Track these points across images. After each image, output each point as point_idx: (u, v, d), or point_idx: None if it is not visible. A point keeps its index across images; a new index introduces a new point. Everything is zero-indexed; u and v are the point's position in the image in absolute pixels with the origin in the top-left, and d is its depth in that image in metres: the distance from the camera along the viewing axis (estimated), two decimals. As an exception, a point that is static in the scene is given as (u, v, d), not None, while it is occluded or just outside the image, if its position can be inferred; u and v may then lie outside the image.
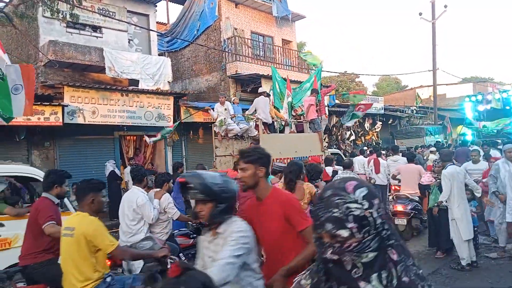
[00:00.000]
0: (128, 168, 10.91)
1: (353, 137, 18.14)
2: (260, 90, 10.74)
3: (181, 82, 17.25)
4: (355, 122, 17.98)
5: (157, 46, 14.49)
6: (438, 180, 6.20)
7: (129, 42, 13.10)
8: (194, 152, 14.15)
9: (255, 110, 10.01)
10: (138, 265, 4.01)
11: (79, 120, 10.42)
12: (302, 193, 4.46)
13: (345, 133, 17.90)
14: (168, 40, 17.49)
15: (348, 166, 7.25)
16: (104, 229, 3.19)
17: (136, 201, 4.61)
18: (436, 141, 15.85)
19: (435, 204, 6.17)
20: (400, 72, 66.94)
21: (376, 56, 79.72)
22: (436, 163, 6.64)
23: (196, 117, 13.39)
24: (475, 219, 6.36)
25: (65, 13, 8.36)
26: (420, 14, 19.60)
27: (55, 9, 7.84)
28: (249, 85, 15.16)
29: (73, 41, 11.42)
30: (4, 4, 9.41)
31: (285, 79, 11.43)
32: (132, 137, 12.95)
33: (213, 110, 10.12)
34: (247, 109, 10.83)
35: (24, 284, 3.78)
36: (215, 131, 9.31)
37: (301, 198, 4.37)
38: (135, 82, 12.41)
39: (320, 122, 10.53)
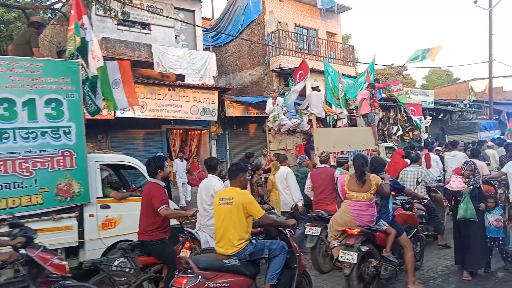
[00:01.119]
0: (178, 160, 11.40)
1: (400, 132, 17.51)
2: (312, 85, 10.73)
3: (225, 77, 17.47)
4: (403, 117, 17.36)
5: (202, 42, 14.74)
6: (470, 187, 5.23)
7: (175, 38, 13.44)
8: (238, 145, 14.31)
9: (308, 105, 10.09)
10: None
11: (129, 114, 10.86)
12: (369, 184, 4.64)
13: (392, 128, 17.32)
14: (212, 35, 17.75)
15: (416, 159, 7.04)
16: (255, 200, 3.97)
17: (214, 188, 4.97)
18: (498, 137, 14.86)
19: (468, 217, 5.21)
20: (452, 64, 63.33)
21: (426, 47, 76.27)
22: (467, 165, 5.36)
23: (239, 111, 13.54)
24: (499, 230, 5.43)
25: (117, 11, 8.71)
26: (475, 1, 18.44)
27: (107, 7, 8.19)
28: (293, 79, 15.06)
29: (123, 38, 11.90)
30: (62, 4, 9.95)
31: (337, 72, 11.43)
32: (178, 130, 13.30)
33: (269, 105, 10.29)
34: (298, 104, 10.91)
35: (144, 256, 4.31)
36: (268, 126, 9.51)
37: (368, 189, 4.62)
38: (181, 77, 12.73)
39: (374, 116, 10.42)
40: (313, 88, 10.44)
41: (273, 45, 15.37)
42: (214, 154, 13.37)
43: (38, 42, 5.86)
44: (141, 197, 4.50)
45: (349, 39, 31.01)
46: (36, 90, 5.03)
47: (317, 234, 5.60)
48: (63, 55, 6.28)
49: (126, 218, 5.44)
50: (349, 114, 10.94)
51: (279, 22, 15.99)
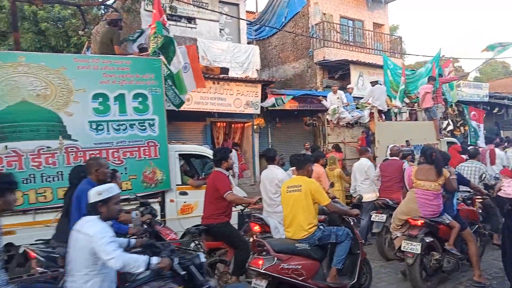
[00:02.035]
0: (233, 152, 11.65)
1: (450, 127, 16.67)
2: (371, 79, 10.96)
3: (268, 70, 17.46)
4: (453, 111, 16.51)
5: (246, 35, 14.80)
6: None
7: (220, 32, 13.59)
8: (280, 138, 14.31)
9: (370, 99, 10.17)
10: None
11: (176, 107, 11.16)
12: (437, 175, 4.70)
13: (442, 123, 16.55)
14: (256, 29, 17.76)
15: (474, 155, 6.85)
16: (321, 188, 4.24)
17: (277, 177, 5.17)
18: None
19: None
20: (509, 55, 59.22)
21: (479, 38, 71.79)
22: None
23: (282, 104, 13.49)
24: None
25: (165, 6, 8.94)
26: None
27: (156, 2, 8.41)
28: (337, 72, 14.77)
29: (170, 33, 12.18)
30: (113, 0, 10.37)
31: (400, 66, 11.40)
32: (222, 123, 13.50)
33: (326, 100, 10.57)
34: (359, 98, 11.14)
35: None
36: (327, 119, 9.77)
37: (436, 179, 4.69)
38: (225, 70, 12.88)
39: (437, 110, 10.28)
40: (372, 83, 10.52)
41: (317, 37, 15.14)
42: (256, 147, 13.46)
43: (119, 40, 6.40)
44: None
45: (396, 30, 29.87)
46: (125, 86, 5.53)
47: (382, 221, 5.84)
48: (144, 51, 6.79)
49: (201, 204, 5.84)
50: (408, 108, 10.90)
51: (324, 14, 15.70)
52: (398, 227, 4.87)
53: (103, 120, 5.34)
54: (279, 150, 13.29)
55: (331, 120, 9.61)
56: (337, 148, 9.13)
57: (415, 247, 4.49)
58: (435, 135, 9.92)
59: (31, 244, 4.03)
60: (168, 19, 12.14)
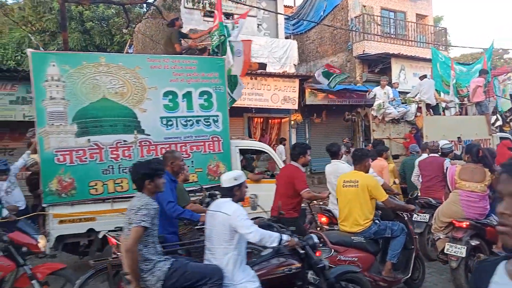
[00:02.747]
0: (281, 147, 11.92)
1: (499, 122, 15.78)
2: (420, 74, 10.80)
3: (306, 65, 17.28)
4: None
5: (284, 30, 14.71)
6: None
7: (258, 27, 13.59)
8: (317, 134, 14.14)
9: (418, 93, 10.00)
10: None
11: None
12: (483, 175, 4.43)
13: (491, 118, 15.71)
14: (294, 23, 17.61)
15: None
16: (379, 184, 4.28)
17: (344, 171, 5.14)
18: None
19: None
20: None
21: (533, 27, 67.08)
22: None
23: (320, 99, 13.33)
24: None
25: (205, 3, 9.06)
26: None
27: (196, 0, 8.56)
28: (377, 65, 14.38)
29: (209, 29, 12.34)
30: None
31: (449, 59, 11.07)
32: (259, 118, 13.55)
33: (372, 92, 10.45)
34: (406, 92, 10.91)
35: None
36: (372, 115, 9.65)
37: (482, 180, 4.43)
38: (263, 65, 12.88)
39: (488, 104, 9.99)
40: (421, 77, 10.30)
41: (357, 30, 14.79)
42: (293, 143, 13.39)
43: (178, 38, 6.69)
44: (272, 179, 5.07)
45: (440, 21, 28.57)
46: (192, 84, 5.83)
47: (425, 221, 5.66)
48: (204, 52, 7.12)
49: (261, 198, 5.98)
50: (460, 102, 10.58)
51: (364, 6, 15.30)
52: (441, 228, 4.66)
53: (172, 116, 5.66)
54: (316, 146, 13.21)
55: (376, 116, 9.47)
56: (374, 144, 8.96)
57: (460, 250, 4.27)
58: (487, 130, 9.53)
59: (109, 231, 4.32)
60: (207, 16, 12.40)
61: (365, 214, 4.10)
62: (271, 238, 3.09)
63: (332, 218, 5.15)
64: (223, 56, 6.26)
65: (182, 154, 5.58)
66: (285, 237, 3.18)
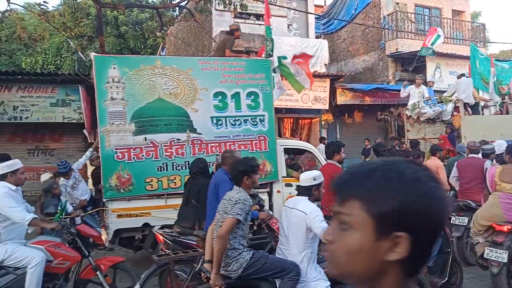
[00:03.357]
0: (321, 146, 11.70)
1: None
2: (458, 73, 10.42)
3: (336, 64, 17.07)
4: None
5: (314, 29, 14.59)
6: None
7: (288, 27, 13.56)
8: (349, 134, 13.93)
9: (455, 92, 9.78)
10: None
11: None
12: None
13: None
14: (324, 22, 17.45)
15: None
16: None
17: None
18: None
19: None
20: None
21: None
22: None
23: (351, 99, 13.13)
24: None
25: (236, 4, 9.13)
26: None
27: (228, 1, 8.64)
28: (411, 64, 13.97)
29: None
30: (186, 1, 10.83)
31: (488, 57, 10.74)
32: (289, 119, 13.50)
33: (405, 89, 10.21)
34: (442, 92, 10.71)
35: None
36: (406, 115, 9.48)
37: None
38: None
39: None
40: (459, 76, 10.06)
41: (389, 28, 14.46)
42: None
43: (232, 46, 7.11)
44: None
45: (478, 17, 27.47)
46: (240, 85, 5.99)
47: (463, 224, 5.45)
48: (250, 54, 7.35)
49: None
50: (501, 100, 10.18)
51: (397, 3, 14.92)
52: (480, 232, 4.48)
53: (222, 116, 5.84)
54: (347, 146, 13.02)
55: (410, 116, 9.27)
56: (411, 144, 8.72)
57: (501, 256, 4.09)
58: None
59: (157, 229, 4.55)
60: (237, 17, 12.49)
61: None
62: None
63: None
64: (270, 58, 6.40)
65: None
66: None
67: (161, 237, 4.16)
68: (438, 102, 9.66)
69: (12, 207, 3.60)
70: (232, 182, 3.50)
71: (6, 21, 9.87)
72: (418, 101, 9.15)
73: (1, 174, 3.75)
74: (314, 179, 3.33)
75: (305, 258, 3.19)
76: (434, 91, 11.16)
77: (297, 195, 3.53)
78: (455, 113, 8.84)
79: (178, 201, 5.40)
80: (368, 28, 15.10)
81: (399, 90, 12.14)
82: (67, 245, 4.00)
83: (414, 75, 11.44)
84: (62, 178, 6.23)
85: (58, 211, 4.28)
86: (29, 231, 3.92)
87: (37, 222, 3.72)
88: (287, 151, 6.69)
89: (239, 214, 3.03)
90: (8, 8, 8.03)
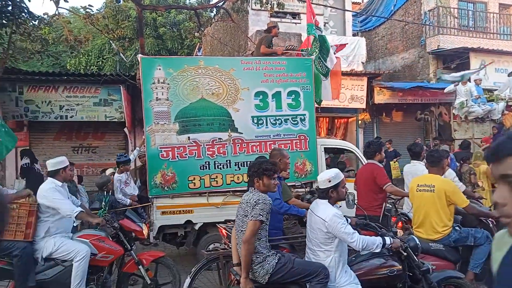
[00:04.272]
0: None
1: None
2: (510, 72, 9.92)
3: (374, 62, 16.68)
4: None
5: (351, 27, 14.33)
6: None
7: (324, 25, 13.38)
8: (387, 134, 13.54)
9: (509, 89, 9.48)
10: None
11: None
12: None
13: None
14: (361, 20, 17.09)
15: None
16: (458, 189, 4.02)
17: (423, 173, 5.11)
18: None
19: None
20: None
21: None
22: None
23: (389, 97, 12.78)
24: None
25: (273, 3, 9.12)
26: None
27: (264, 1, 8.65)
28: (453, 61, 13.43)
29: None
30: (223, 1, 10.93)
31: None
32: (324, 118, 13.33)
33: (452, 85, 10.01)
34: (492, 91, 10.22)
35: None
36: (453, 113, 9.26)
37: None
38: (329, 64, 12.66)
39: None
40: (510, 74, 9.77)
41: (431, 24, 13.94)
42: (361, 143, 12.98)
43: (268, 42, 7.00)
44: (352, 179, 5.12)
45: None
46: (281, 84, 5.98)
47: None
48: (287, 52, 7.39)
49: None
50: None
51: (439, -2, 14.38)
52: None
53: (263, 115, 5.87)
54: (385, 146, 12.70)
55: (457, 115, 9.00)
56: (462, 145, 8.34)
57: None
58: None
59: (219, 223, 4.69)
60: (274, 16, 12.47)
61: (443, 221, 3.85)
62: (375, 245, 3.08)
63: (408, 222, 4.96)
64: (312, 56, 6.32)
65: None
66: (387, 240, 3.14)
67: (224, 231, 4.23)
68: (488, 101, 9.24)
69: (61, 200, 3.79)
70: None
71: (54, 24, 10.35)
72: (466, 100, 8.78)
73: (54, 169, 3.94)
74: (329, 181, 3.17)
75: (333, 263, 3.10)
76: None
77: (317, 198, 3.44)
78: (506, 112, 8.36)
79: (220, 199, 5.59)
80: (408, 25, 14.64)
81: (440, 89, 11.72)
82: (111, 239, 4.15)
83: (456, 72, 11.01)
84: (116, 174, 6.52)
85: (103, 206, 4.45)
86: (75, 224, 4.10)
87: (84, 215, 3.89)
88: (327, 150, 6.60)
89: (261, 215, 2.98)
90: (57, 12, 8.42)
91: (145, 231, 4.45)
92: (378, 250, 3.11)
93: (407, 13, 14.97)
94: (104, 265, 4.03)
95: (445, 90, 9.70)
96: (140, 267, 4.17)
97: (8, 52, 8.27)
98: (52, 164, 3.96)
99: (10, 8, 8.53)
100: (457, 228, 3.93)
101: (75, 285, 3.71)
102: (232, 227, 4.30)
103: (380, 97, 12.70)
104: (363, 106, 12.36)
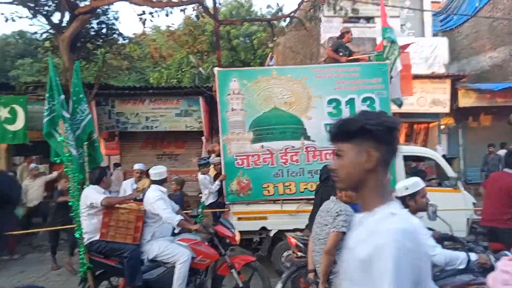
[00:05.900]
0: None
1: None
2: None
3: (457, 63, 15.54)
4: None
5: (431, 27, 13.56)
6: None
7: (401, 27, 12.84)
8: (474, 139, 12.51)
9: None
10: None
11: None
12: None
13: None
14: (442, 19, 16.08)
15: None
16: None
17: None
18: None
19: None
20: None
21: None
22: None
23: (476, 100, 11.80)
24: None
25: (347, 9, 8.99)
26: None
27: (338, 7, 8.57)
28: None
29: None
30: (296, 11, 11.03)
31: None
32: (403, 124, 12.72)
33: None
34: None
35: None
36: None
37: None
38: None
39: None
40: None
41: (524, 18, 12.66)
42: (444, 150, 12.16)
43: (336, 47, 7.08)
44: (438, 188, 5.09)
45: None
46: (355, 90, 5.90)
47: None
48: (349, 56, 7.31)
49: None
50: None
51: (534, -11, 13.02)
52: None
53: None
54: (472, 153, 11.74)
55: None
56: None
57: None
58: None
59: (287, 231, 4.83)
60: (347, 22, 12.27)
61: None
62: (459, 260, 2.91)
63: None
64: (388, 61, 6.14)
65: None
66: (473, 257, 2.96)
67: (292, 240, 4.29)
68: None
69: (165, 209, 4.13)
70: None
71: (141, 42, 11.31)
72: None
73: (161, 179, 4.33)
74: (407, 188, 2.99)
75: None
76: None
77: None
78: None
79: (293, 206, 5.62)
80: (497, 21, 13.43)
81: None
82: (206, 243, 4.41)
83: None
84: (200, 174, 6.80)
85: (199, 213, 4.84)
86: (176, 231, 4.44)
87: (184, 223, 4.19)
88: (405, 158, 6.26)
89: (343, 226, 2.93)
90: (143, 32, 9.19)
91: (237, 237, 4.62)
92: (462, 267, 2.91)
93: (496, 8, 13.75)
94: (201, 268, 4.28)
95: None
96: (233, 270, 4.35)
97: (102, 69, 9.22)
98: (159, 173, 4.34)
99: (104, 30, 9.53)
100: None
101: (177, 286, 3.99)
102: (301, 236, 4.35)
103: (466, 100, 11.77)
104: (447, 110, 11.58)
